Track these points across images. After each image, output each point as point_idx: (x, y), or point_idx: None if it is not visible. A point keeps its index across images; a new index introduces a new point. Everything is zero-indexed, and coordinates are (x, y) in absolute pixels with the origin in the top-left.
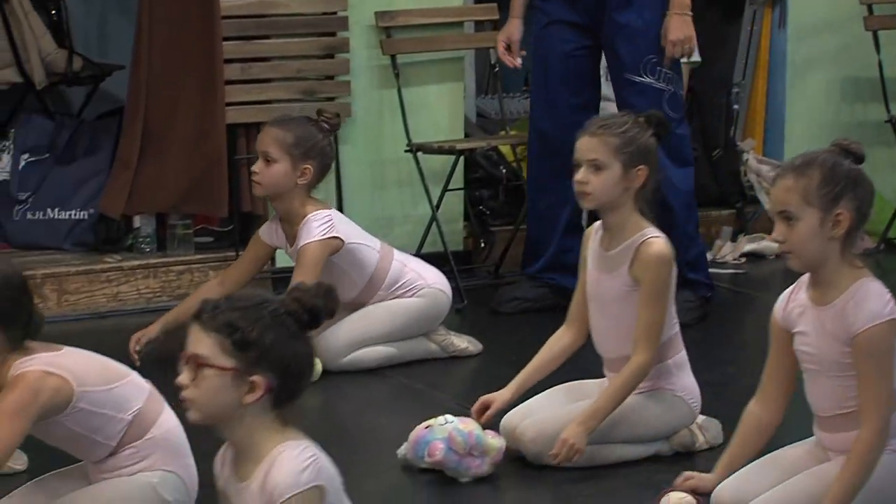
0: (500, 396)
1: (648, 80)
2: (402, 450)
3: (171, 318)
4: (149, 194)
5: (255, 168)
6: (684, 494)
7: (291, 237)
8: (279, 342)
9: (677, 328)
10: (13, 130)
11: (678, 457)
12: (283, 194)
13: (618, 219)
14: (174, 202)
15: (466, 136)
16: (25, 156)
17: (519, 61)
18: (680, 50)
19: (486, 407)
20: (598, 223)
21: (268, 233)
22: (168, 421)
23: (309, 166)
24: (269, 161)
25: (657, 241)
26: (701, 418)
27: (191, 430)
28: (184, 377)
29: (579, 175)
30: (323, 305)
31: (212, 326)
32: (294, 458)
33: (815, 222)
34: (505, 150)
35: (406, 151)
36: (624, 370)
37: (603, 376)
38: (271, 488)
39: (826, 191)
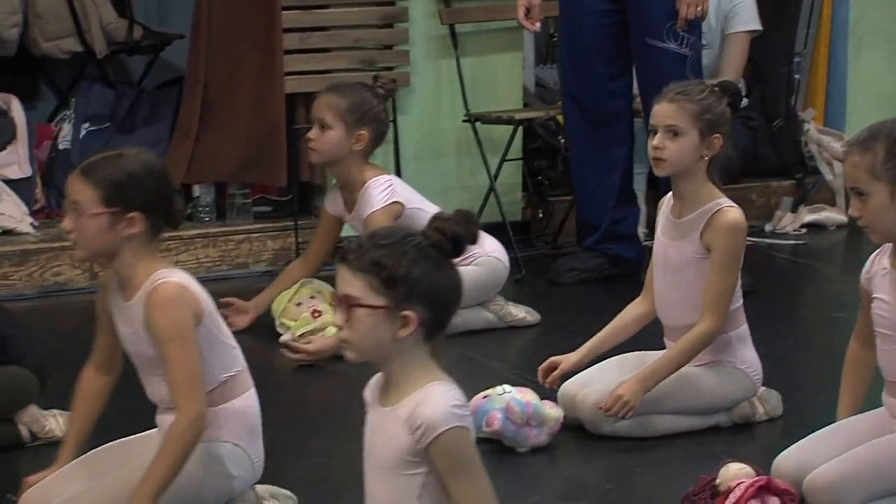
0: (569, 358)
1: (672, 45)
2: None
3: (262, 301)
4: (208, 163)
5: (310, 135)
6: (743, 465)
7: (350, 204)
8: (426, 275)
9: (741, 301)
10: (74, 99)
11: (737, 428)
12: (340, 161)
13: (691, 187)
14: (233, 171)
15: (525, 105)
16: (86, 125)
17: (538, 26)
18: (693, 10)
19: (553, 367)
20: (669, 194)
21: (331, 203)
22: (251, 398)
23: (364, 132)
24: (324, 127)
25: (732, 210)
26: (761, 389)
27: None
28: (338, 318)
29: (656, 141)
30: (465, 232)
31: (359, 267)
32: (447, 397)
33: (885, 196)
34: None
35: (464, 121)
36: (688, 335)
37: (663, 348)
38: (422, 421)
39: (892, 164)
